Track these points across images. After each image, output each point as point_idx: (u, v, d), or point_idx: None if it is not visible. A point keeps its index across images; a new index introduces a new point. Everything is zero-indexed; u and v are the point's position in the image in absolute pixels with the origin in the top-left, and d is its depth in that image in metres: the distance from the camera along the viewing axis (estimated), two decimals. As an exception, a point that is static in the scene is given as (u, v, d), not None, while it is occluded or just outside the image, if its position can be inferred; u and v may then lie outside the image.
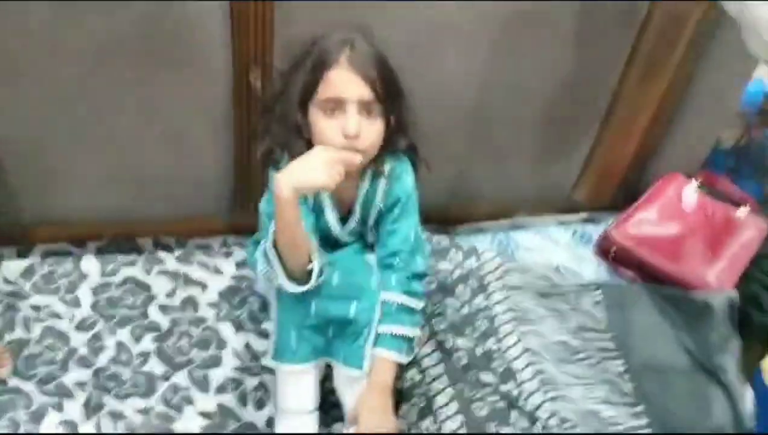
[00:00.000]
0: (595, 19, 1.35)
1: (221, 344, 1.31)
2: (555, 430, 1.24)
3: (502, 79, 1.40)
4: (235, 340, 1.32)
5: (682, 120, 1.58)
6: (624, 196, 1.69)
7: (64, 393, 1.19)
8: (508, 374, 1.34)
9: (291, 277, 1.01)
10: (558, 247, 1.64)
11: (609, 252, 1.59)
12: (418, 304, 1.14)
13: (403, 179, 1.13)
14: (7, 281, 1.33)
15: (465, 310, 1.44)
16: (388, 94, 1.04)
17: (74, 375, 1.22)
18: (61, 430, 1.14)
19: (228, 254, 1.46)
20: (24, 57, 1.13)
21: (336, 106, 1.01)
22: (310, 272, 1.02)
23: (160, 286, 1.38)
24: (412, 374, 1.31)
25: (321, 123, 1.02)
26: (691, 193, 1.63)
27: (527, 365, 1.36)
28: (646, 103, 1.52)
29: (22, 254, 1.39)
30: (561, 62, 1.40)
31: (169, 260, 1.43)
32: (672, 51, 1.43)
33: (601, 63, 1.44)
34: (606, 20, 1.36)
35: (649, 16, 1.38)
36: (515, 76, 1.40)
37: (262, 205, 1.12)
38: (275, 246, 1.00)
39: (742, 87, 1.60)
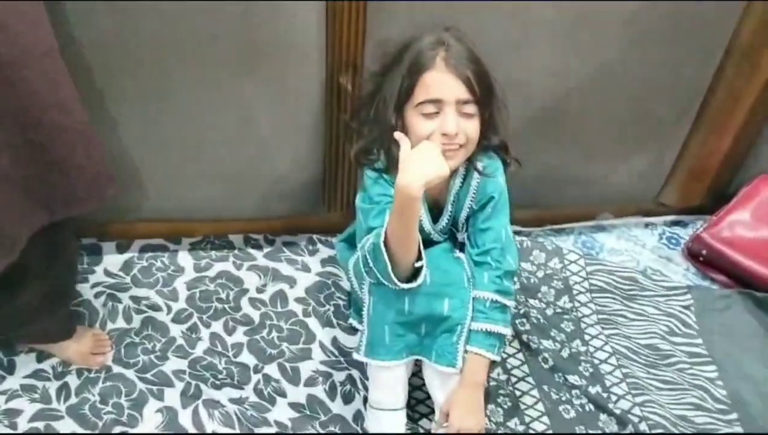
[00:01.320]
0: (689, 15, 1.32)
1: (310, 338, 1.34)
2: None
3: (591, 77, 1.38)
4: (323, 334, 1.35)
5: (777, 119, 1.52)
6: (714, 197, 1.64)
7: (164, 381, 1.24)
8: (595, 377, 1.32)
9: (395, 274, 1.03)
10: (644, 250, 1.60)
11: (699, 255, 1.55)
12: (509, 302, 1.14)
13: (495, 176, 1.14)
14: (108, 274, 1.40)
15: (549, 312, 1.43)
16: (483, 92, 1.05)
17: (172, 364, 1.27)
18: (160, 417, 1.19)
19: (314, 252, 1.50)
20: (126, 56, 1.18)
21: (434, 107, 1.02)
22: (415, 269, 1.04)
23: (251, 281, 1.42)
24: (497, 374, 1.31)
25: (420, 125, 1.03)
26: (786, 195, 1.57)
27: (615, 368, 1.34)
28: (741, 100, 1.47)
29: (121, 249, 1.45)
30: (652, 59, 1.38)
31: (259, 256, 1.47)
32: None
33: (695, 60, 1.41)
34: (701, 16, 1.33)
35: (747, 10, 1.34)
36: (604, 74, 1.38)
37: (359, 202, 1.13)
38: (385, 243, 1.01)
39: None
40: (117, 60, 1.18)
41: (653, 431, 1.19)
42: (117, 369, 1.25)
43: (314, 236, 1.52)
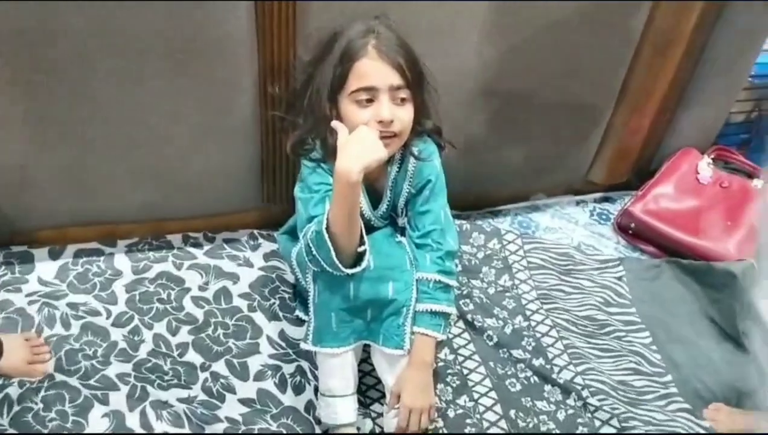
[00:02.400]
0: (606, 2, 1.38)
1: (257, 333, 1.33)
2: (589, 401, 1.27)
3: (515, 63, 1.42)
4: (269, 328, 1.34)
5: (694, 96, 1.61)
6: (639, 174, 1.72)
7: (108, 386, 1.21)
8: (538, 350, 1.36)
9: (339, 260, 1.04)
10: (577, 226, 1.67)
11: (628, 228, 1.62)
12: (452, 282, 1.17)
13: (431, 160, 1.16)
14: (42, 282, 1.36)
15: (491, 290, 1.47)
16: (415, 78, 1.07)
17: (115, 368, 1.24)
18: (107, 422, 1.17)
19: (256, 247, 1.49)
20: (55, 57, 1.15)
21: (368, 94, 1.03)
22: (359, 255, 1.05)
23: (192, 280, 1.40)
24: (444, 355, 1.34)
25: (354, 113, 1.05)
26: (705, 166, 1.66)
27: (556, 340, 1.39)
28: (658, 80, 1.54)
29: (54, 255, 1.41)
30: (575, 44, 1.43)
31: (200, 254, 1.45)
32: (683, 27, 1.46)
33: (615, 43, 1.47)
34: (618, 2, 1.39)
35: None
36: (529, 59, 1.42)
37: (297, 193, 1.14)
38: (327, 230, 1.02)
39: (752, 61, 1.63)
40: (39, 58, 1.14)
41: (636, 431, 1.24)
42: (59, 377, 1.21)
43: (255, 231, 1.51)
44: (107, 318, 1.32)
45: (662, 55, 1.49)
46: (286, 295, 1.40)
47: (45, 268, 1.38)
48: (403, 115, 1.06)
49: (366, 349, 1.22)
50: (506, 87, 1.45)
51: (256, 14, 1.19)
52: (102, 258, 1.42)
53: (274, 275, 1.44)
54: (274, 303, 1.39)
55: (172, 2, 1.13)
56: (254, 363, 1.28)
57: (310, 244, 1.04)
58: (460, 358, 1.34)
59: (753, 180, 1.64)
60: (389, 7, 1.15)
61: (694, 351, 1.40)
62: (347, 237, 1.03)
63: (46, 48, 1.13)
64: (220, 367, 1.27)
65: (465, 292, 1.44)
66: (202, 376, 1.25)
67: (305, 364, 1.28)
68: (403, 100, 1.06)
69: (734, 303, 1.44)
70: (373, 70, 1.04)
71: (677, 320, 1.46)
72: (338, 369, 1.14)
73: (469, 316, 1.40)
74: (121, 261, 1.42)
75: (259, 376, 1.27)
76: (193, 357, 1.28)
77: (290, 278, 1.43)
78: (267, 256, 1.47)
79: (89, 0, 1.09)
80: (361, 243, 1.06)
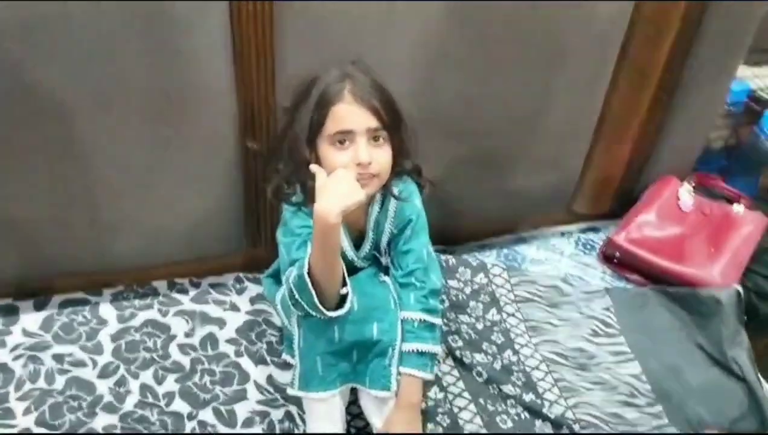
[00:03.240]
0: (580, 33, 1.40)
1: (244, 379, 1.32)
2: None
3: (494, 99, 1.44)
4: (257, 373, 1.33)
5: (671, 124, 1.63)
6: (622, 203, 1.74)
7: (94, 439, 1.20)
8: (528, 385, 1.36)
9: (322, 303, 1.04)
10: (563, 257, 1.67)
11: (613, 257, 1.63)
12: (437, 320, 1.17)
13: (411, 200, 1.17)
14: (27, 333, 1.35)
15: (479, 326, 1.47)
16: (391, 120, 1.08)
17: (102, 420, 1.22)
18: (93, 477, 1.15)
19: (242, 290, 1.48)
20: (34, 111, 1.15)
21: (345, 138, 1.05)
22: (341, 297, 1.05)
23: (178, 326, 1.39)
24: (434, 393, 1.33)
25: (333, 156, 1.06)
26: (686, 193, 1.67)
27: (546, 374, 1.39)
28: (635, 110, 1.57)
29: (39, 306, 1.40)
30: (551, 76, 1.45)
31: (185, 300, 1.44)
32: (656, 59, 1.49)
33: (591, 73, 1.49)
34: (591, 32, 1.41)
35: (632, 24, 1.43)
36: (507, 95, 1.44)
37: (280, 237, 1.14)
38: (309, 273, 1.02)
39: (726, 88, 1.66)
40: (18, 113, 1.15)
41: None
42: (42, 431, 1.19)
43: (241, 274, 1.51)
44: (93, 368, 1.31)
45: (636, 86, 1.52)
46: (273, 339, 1.40)
47: (30, 319, 1.37)
48: (381, 157, 1.07)
49: (354, 391, 1.21)
50: (482, 121, 1.47)
51: (235, 63, 1.21)
52: (87, 307, 1.41)
53: (260, 319, 1.43)
54: (261, 347, 1.38)
55: (151, 51, 1.14)
56: (242, 410, 1.27)
57: (293, 288, 1.04)
58: (450, 396, 1.33)
59: (734, 206, 1.66)
60: (366, 51, 1.17)
61: (683, 379, 1.40)
62: (329, 280, 1.03)
63: (25, 103, 1.14)
64: (207, 415, 1.26)
65: (453, 328, 1.44)
66: (190, 425, 1.24)
67: (293, 409, 1.27)
68: (380, 141, 1.07)
69: (722, 329, 1.44)
70: (350, 114, 1.05)
71: (666, 348, 1.46)
72: (326, 413, 1.13)
73: (458, 353, 1.39)
74: (107, 310, 1.41)
75: (248, 423, 1.25)
76: (180, 406, 1.27)
77: (277, 321, 1.42)
78: (253, 300, 1.47)
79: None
80: (344, 285, 1.06)
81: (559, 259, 1.67)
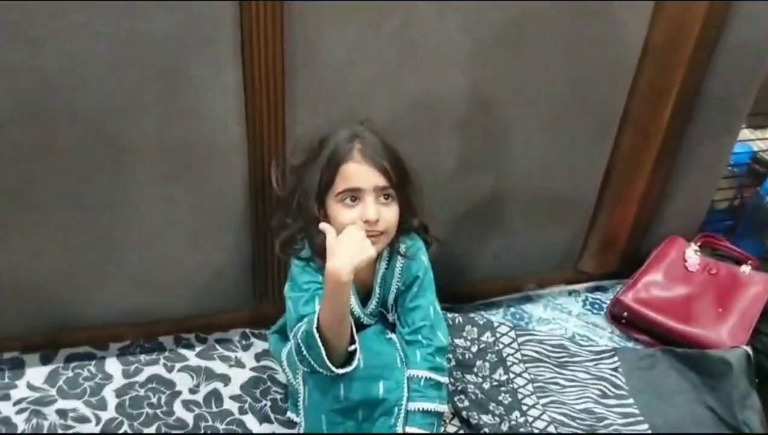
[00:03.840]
0: (581, 94, 1.44)
1: (248, 437, 1.31)
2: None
3: (498, 162, 1.47)
4: (261, 431, 1.31)
5: (676, 185, 1.65)
6: (628, 262, 1.74)
7: (94, 498, 1.18)
8: (536, 447, 1.33)
9: (330, 360, 1.04)
10: (570, 317, 1.66)
11: (621, 317, 1.62)
12: (443, 379, 1.16)
13: (418, 257, 1.19)
14: (32, 387, 1.34)
15: (486, 385, 1.45)
16: (399, 179, 1.11)
17: (103, 478, 1.21)
18: None
19: (248, 346, 1.48)
20: (49, 169, 1.19)
21: (354, 195, 1.07)
22: (349, 354, 1.05)
23: (183, 382, 1.39)
24: (440, 454, 1.30)
25: (341, 213, 1.08)
26: (692, 254, 1.68)
27: (554, 436, 1.36)
28: (639, 171, 1.59)
29: (45, 360, 1.40)
30: (554, 137, 1.48)
31: (191, 356, 1.44)
32: (658, 118, 1.52)
33: (594, 135, 1.52)
34: (593, 93, 1.45)
35: (634, 84, 1.47)
36: (510, 158, 1.47)
37: (287, 292, 1.15)
38: (318, 329, 1.02)
39: (728, 150, 1.68)
40: (33, 171, 1.18)
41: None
42: (42, 490, 1.18)
43: (247, 330, 1.51)
44: (96, 425, 1.29)
45: (640, 147, 1.54)
46: (278, 396, 1.39)
47: (35, 372, 1.37)
48: (389, 214, 1.09)
49: (359, 451, 1.19)
50: (490, 184, 1.49)
51: (247, 121, 1.24)
52: (93, 362, 1.41)
53: (265, 375, 1.42)
54: (265, 405, 1.37)
55: (167, 109, 1.18)
56: (245, 469, 1.26)
57: (301, 344, 1.04)
58: (457, 458, 1.31)
59: (741, 266, 1.66)
60: (374, 110, 1.21)
61: (694, 442, 1.37)
62: (338, 336, 1.04)
63: (40, 161, 1.17)
64: (210, 473, 1.24)
65: (459, 388, 1.42)
66: (191, 483, 1.22)
67: (297, 469, 1.26)
68: (388, 199, 1.10)
69: (732, 391, 1.42)
70: (358, 172, 1.08)
71: (675, 410, 1.43)
72: (330, 473, 1.11)
73: (464, 413, 1.37)
74: (112, 365, 1.41)
75: (250, 483, 1.24)
76: (182, 464, 1.25)
77: (282, 378, 1.41)
78: (259, 356, 1.46)
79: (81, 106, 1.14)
80: (352, 341, 1.06)
81: (567, 318, 1.66)
